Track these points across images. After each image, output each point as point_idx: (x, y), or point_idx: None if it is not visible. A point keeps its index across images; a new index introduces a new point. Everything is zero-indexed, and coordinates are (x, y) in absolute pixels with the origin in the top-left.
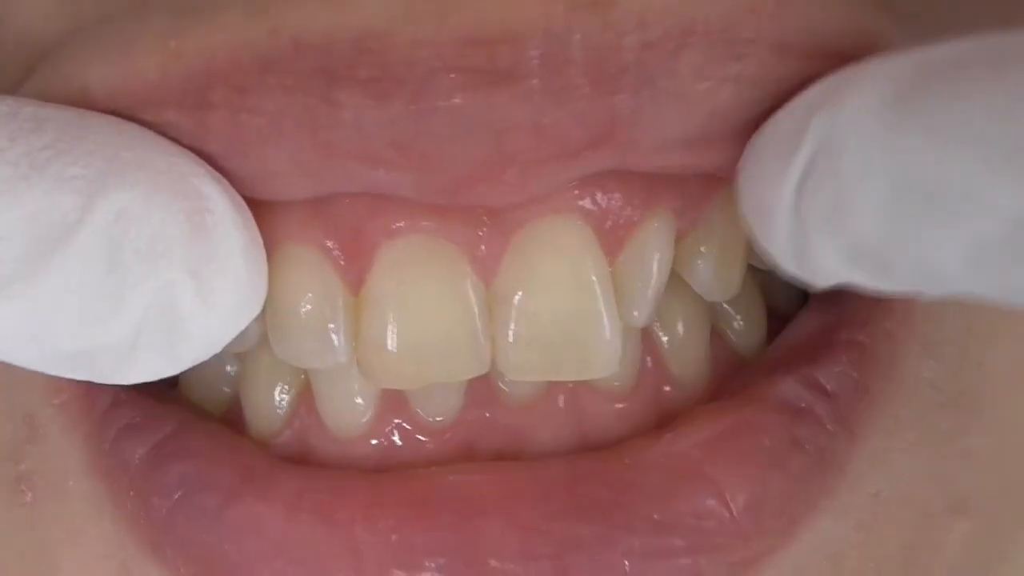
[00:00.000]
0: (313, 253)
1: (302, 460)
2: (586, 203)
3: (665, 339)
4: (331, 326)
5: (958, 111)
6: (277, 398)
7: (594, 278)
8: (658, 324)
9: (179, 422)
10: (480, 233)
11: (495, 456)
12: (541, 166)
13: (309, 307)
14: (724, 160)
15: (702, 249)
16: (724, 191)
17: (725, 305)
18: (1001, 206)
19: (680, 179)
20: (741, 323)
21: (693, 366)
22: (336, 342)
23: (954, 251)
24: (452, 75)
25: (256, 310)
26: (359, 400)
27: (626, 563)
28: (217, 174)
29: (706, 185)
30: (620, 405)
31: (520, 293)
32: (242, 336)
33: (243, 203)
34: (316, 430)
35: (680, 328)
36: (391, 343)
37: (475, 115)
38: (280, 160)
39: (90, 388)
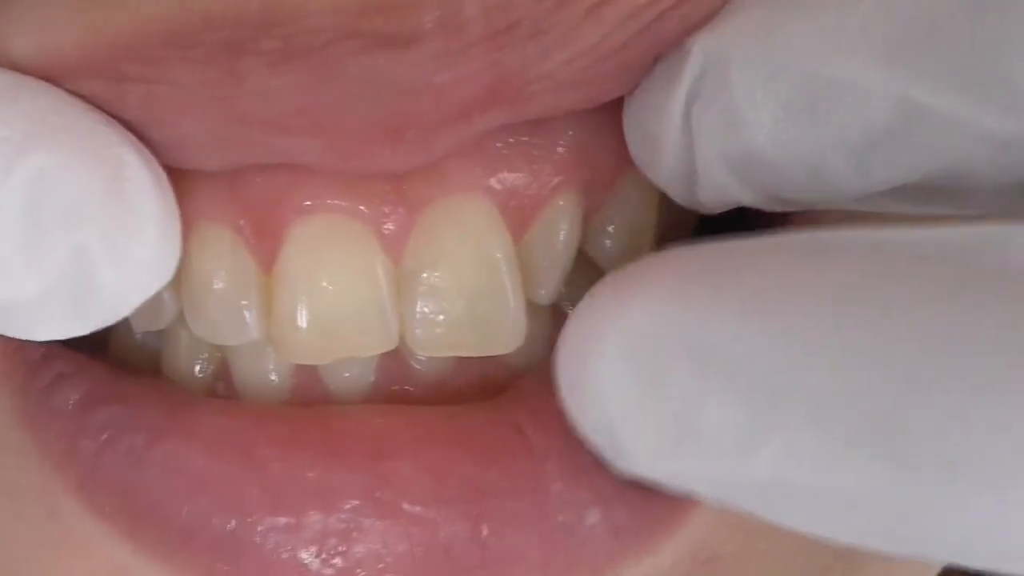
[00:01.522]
0: (225, 232)
1: None
2: (492, 182)
3: None
4: (244, 303)
5: (841, 5)
6: (197, 374)
7: (499, 255)
8: (568, 304)
9: (109, 370)
10: (388, 211)
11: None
12: (441, 127)
13: (222, 285)
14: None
15: (609, 228)
16: (635, 169)
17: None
18: (885, 95)
19: (589, 157)
20: None
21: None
22: (249, 319)
23: (843, 149)
24: (352, 42)
25: (166, 278)
26: (273, 376)
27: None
28: (139, 144)
29: (616, 163)
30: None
31: (427, 270)
32: (160, 312)
33: (163, 174)
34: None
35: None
36: (302, 320)
37: (375, 80)
38: (195, 130)
39: (20, 344)
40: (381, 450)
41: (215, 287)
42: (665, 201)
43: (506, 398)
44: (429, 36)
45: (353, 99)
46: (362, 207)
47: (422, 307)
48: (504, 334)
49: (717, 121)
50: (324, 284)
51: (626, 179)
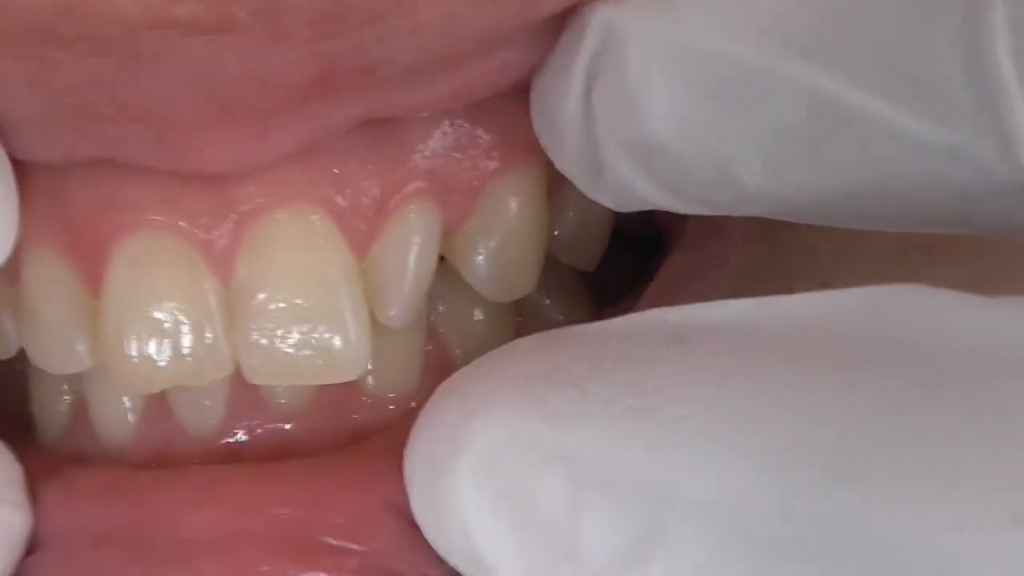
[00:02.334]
0: (51, 254)
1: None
2: (328, 189)
3: (457, 347)
4: (73, 330)
5: None
6: (56, 408)
7: (335, 272)
8: (450, 328)
9: None
10: (214, 225)
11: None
12: (273, 115)
13: (52, 310)
14: (484, 82)
15: (479, 239)
16: (514, 170)
17: (547, 303)
18: (798, 88)
19: (448, 159)
20: (562, 322)
21: None
22: (79, 347)
23: (753, 146)
24: (165, 31)
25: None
26: (126, 406)
27: None
28: None
29: (483, 163)
30: (394, 413)
31: (258, 291)
32: (2, 339)
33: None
34: (91, 440)
35: (478, 330)
36: (128, 347)
37: (196, 67)
38: (21, 114)
39: None
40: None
41: (45, 313)
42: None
43: (359, 454)
44: (245, 22)
45: (175, 87)
46: (183, 222)
47: (254, 331)
48: (343, 361)
49: (615, 104)
50: (148, 307)
51: (502, 180)
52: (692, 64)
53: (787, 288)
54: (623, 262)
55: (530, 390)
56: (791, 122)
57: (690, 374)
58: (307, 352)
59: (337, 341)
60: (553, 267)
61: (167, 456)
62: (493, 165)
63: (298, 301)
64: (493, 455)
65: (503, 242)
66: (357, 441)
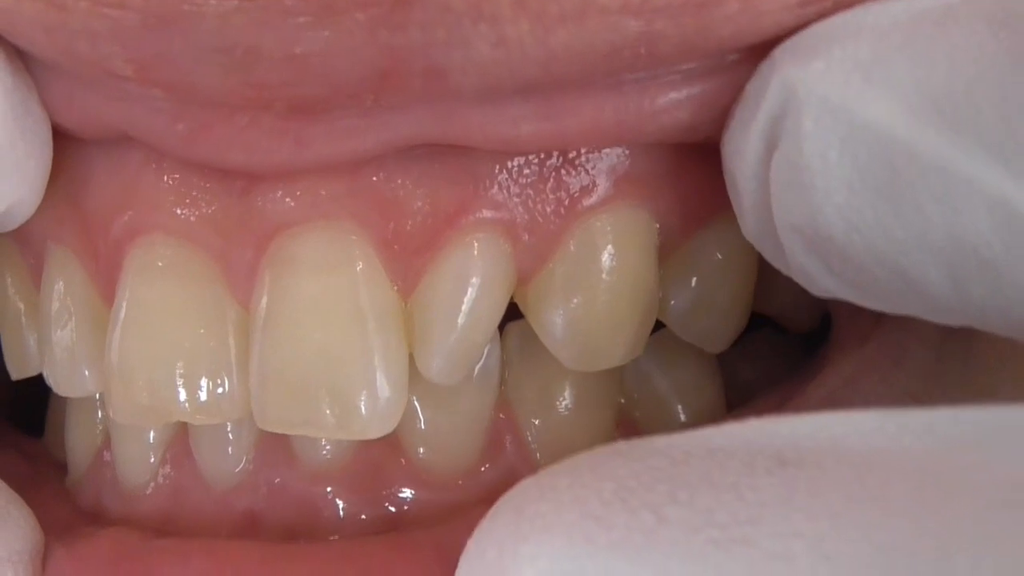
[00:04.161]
0: (69, 253)
1: (98, 514)
2: (371, 207)
3: (534, 416)
4: (82, 348)
5: (946, 75)
6: (82, 443)
7: (370, 306)
8: (519, 393)
9: None
10: (238, 236)
11: (283, 532)
12: (308, 115)
13: (64, 319)
14: (587, 126)
15: (558, 292)
16: (610, 213)
17: (661, 384)
18: (983, 192)
19: (528, 189)
20: (680, 410)
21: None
22: (86, 368)
23: (927, 251)
24: None
25: (16, 188)
26: (147, 442)
27: None
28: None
29: (573, 200)
30: (441, 492)
31: (276, 319)
32: (25, 353)
33: (24, 75)
34: (109, 480)
35: (561, 404)
36: (132, 369)
37: (218, 38)
38: (50, 76)
39: None
40: None
41: (58, 323)
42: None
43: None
44: None
45: (202, 58)
46: (204, 228)
47: (269, 368)
48: (365, 413)
49: (789, 180)
50: (158, 326)
51: (586, 222)
52: (867, 147)
53: (984, 397)
54: (775, 350)
55: (596, 513)
56: (971, 232)
57: (793, 505)
58: (327, 399)
59: (362, 390)
60: (673, 345)
61: (182, 511)
62: (584, 203)
63: (321, 337)
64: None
65: (590, 299)
66: (395, 525)
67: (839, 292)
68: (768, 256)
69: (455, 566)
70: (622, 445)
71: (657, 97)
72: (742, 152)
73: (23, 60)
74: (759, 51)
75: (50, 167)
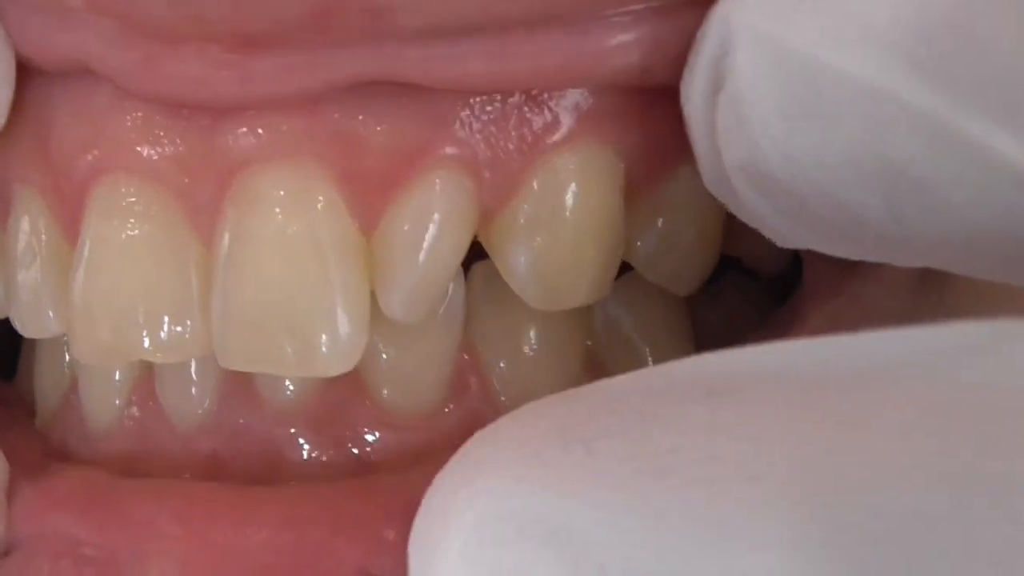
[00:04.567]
0: (34, 194)
1: (64, 455)
2: (333, 144)
3: (500, 358)
4: (47, 287)
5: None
6: (49, 384)
7: (330, 242)
8: (489, 339)
9: None
10: (198, 176)
11: (247, 473)
12: (252, 48)
13: (28, 260)
14: (533, 67)
15: (522, 230)
16: (575, 150)
17: (627, 325)
18: (915, 113)
19: (491, 126)
20: (648, 353)
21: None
22: (51, 308)
23: (862, 177)
24: None
25: None
26: (112, 384)
27: None
28: None
29: (536, 137)
30: (406, 434)
31: (237, 257)
32: None
33: None
34: (76, 421)
35: (527, 345)
36: (95, 309)
37: None
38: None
39: None
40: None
41: (22, 263)
42: None
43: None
44: None
45: None
46: (166, 165)
47: (231, 306)
48: (328, 350)
49: (730, 116)
50: (120, 266)
51: (553, 157)
52: (795, 73)
53: None
54: (746, 295)
55: (532, 450)
56: (899, 151)
57: (715, 431)
58: (288, 336)
59: (323, 326)
60: (641, 288)
61: (147, 452)
62: (548, 140)
63: (282, 274)
64: (485, 533)
65: (553, 237)
66: (359, 466)
67: (794, 237)
68: (728, 204)
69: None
70: (579, 388)
71: (605, 39)
72: (691, 96)
73: None
74: None
75: (11, 98)
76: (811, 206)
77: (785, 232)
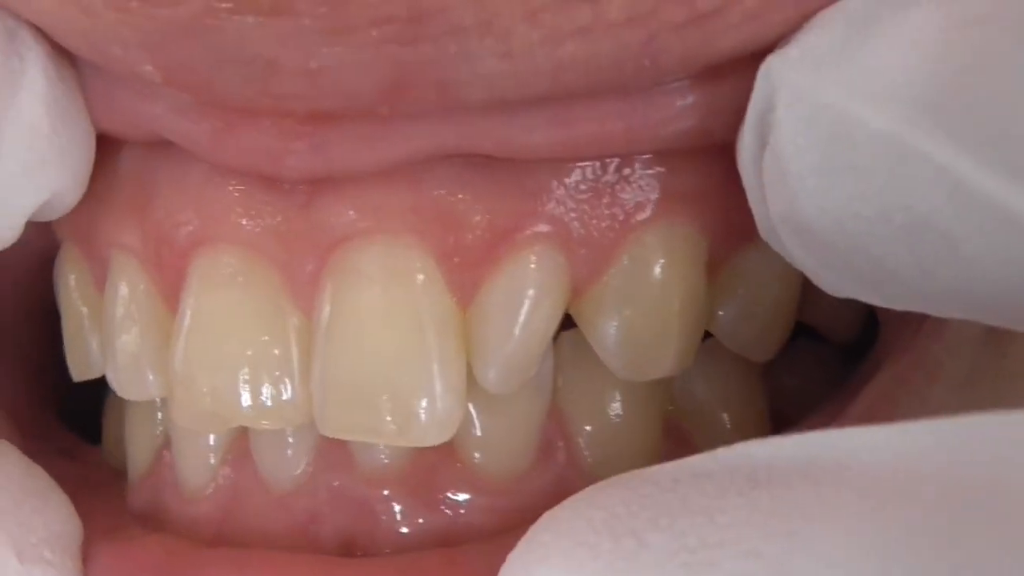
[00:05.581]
0: (134, 260)
1: (154, 516)
2: (432, 221)
3: (586, 423)
4: (146, 352)
5: (904, 57)
6: (142, 445)
7: (429, 316)
8: (571, 400)
9: None
10: (301, 248)
11: (341, 535)
12: (324, 124)
13: (128, 324)
14: (596, 134)
15: (611, 304)
16: (662, 226)
17: (705, 394)
18: (936, 167)
19: (584, 204)
20: (725, 419)
21: (621, 464)
22: (150, 372)
23: (891, 231)
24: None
25: (58, 176)
26: (207, 445)
27: None
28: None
29: (626, 214)
30: (495, 497)
31: (338, 329)
32: (86, 354)
33: (69, 70)
34: (168, 482)
35: (612, 411)
36: (196, 375)
37: (237, 49)
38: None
39: None
40: None
41: (121, 328)
42: None
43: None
44: (303, 8)
45: (223, 65)
46: (268, 240)
47: (331, 376)
48: (425, 421)
49: (773, 169)
50: (223, 334)
51: (640, 239)
52: (830, 127)
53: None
54: (818, 358)
55: (587, 540)
56: (924, 204)
57: (754, 525)
58: (387, 407)
59: (422, 397)
60: (719, 355)
61: (241, 513)
62: (637, 218)
63: (382, 346)
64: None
65: (641, 310)
66: (451, 528)
67: (840, 287)
68: (782, 254)
69: None
70: (622, 476)
71: (665, 105)
72: (741, 151)
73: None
74: (765, 55)
75: (92, 160)
76: (847, 258)
77: (831, 282)
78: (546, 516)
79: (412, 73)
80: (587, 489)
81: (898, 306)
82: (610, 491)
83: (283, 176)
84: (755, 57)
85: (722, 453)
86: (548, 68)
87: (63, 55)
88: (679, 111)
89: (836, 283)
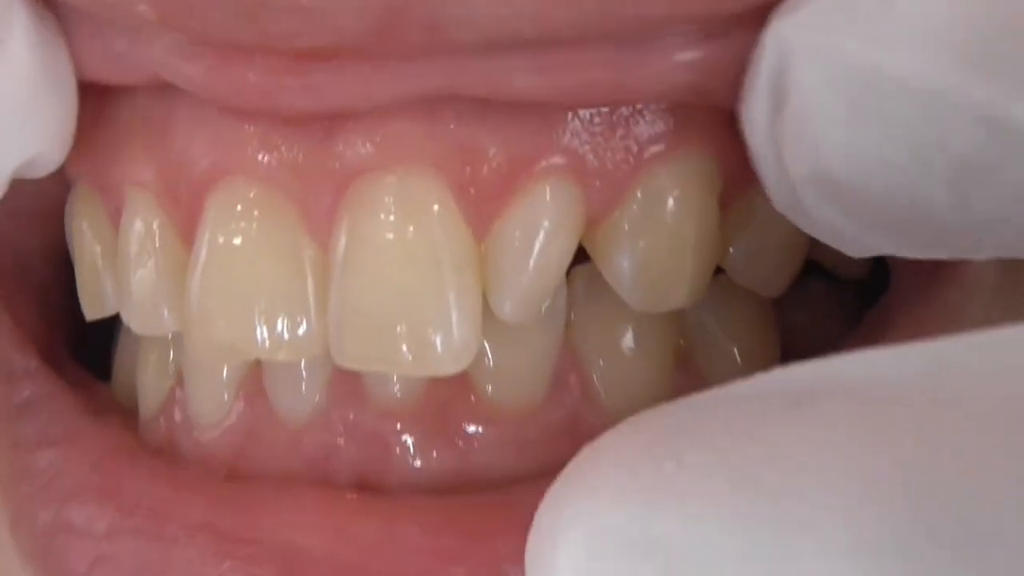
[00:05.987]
0: (148, 197)
1: (166, 454)
2: (448, 153)
3: (599, 357)
4: (161, 287)
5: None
6: (155, 381)
7: (445, 248)
8: (584, 334)
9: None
10: (317, 181)
11: (355, 468)
12: (314, 62)
13: (143, 261)
14: (582, 82)
15: (625, 236)
16: (676, 160)
17: (716, 328)
18: (976, 107)
19: (598, 137)
20: (736, 353)
21: (633, 398)
22: (165, 307)
23: (928, 167)
24: None
25: (40, 138)
26: (221, 381)
27: None
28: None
29: (641, 147)
30: (509, 430)
31: (354, 261)
32: (100, 292)
33: (54, 28)
34: (181, 418)
35: (625, 345)
36: (213, 308)
37: None
38: (77, 26)
39: None
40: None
41: (136, 264)
42: None
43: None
44: None
45: (212, 3)
46: (284, 172)
47: (347, 308)
48: (440, 351)
49: (793, 132)
50: (238, 268)
51: (658, 169)
52: (855, 80)
53: None
54: (829, 298)
55: (627, 466)
56: (964, 145)
57: (800, 443)
58: (403, 337)
59: (437, 327)
60: (730, 291)
61: (255, 448)
62: (652, 151)
63: (399, 278)
64: (590, 549)
65: (655, 242)
66: (464, 461)
67: (867, 243)
68: (801, 225)
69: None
70: (665, 405)
71: (658, 60)
72: (753, 120)
73: (52, 8)
74: (763, 15)
75: (75, 119)
76: (878, 206)
77: (858, 239)
78: (583, 452)
79: (401, 12)
80: (624, 422)
81: (925, 254)
82: (649, 419)
83: (279, 114)
84: (755, 19)
85: (762, 377)
86: (532, 9)
87: (45, 9)
88: (673, 67)
89: (863, 238)
